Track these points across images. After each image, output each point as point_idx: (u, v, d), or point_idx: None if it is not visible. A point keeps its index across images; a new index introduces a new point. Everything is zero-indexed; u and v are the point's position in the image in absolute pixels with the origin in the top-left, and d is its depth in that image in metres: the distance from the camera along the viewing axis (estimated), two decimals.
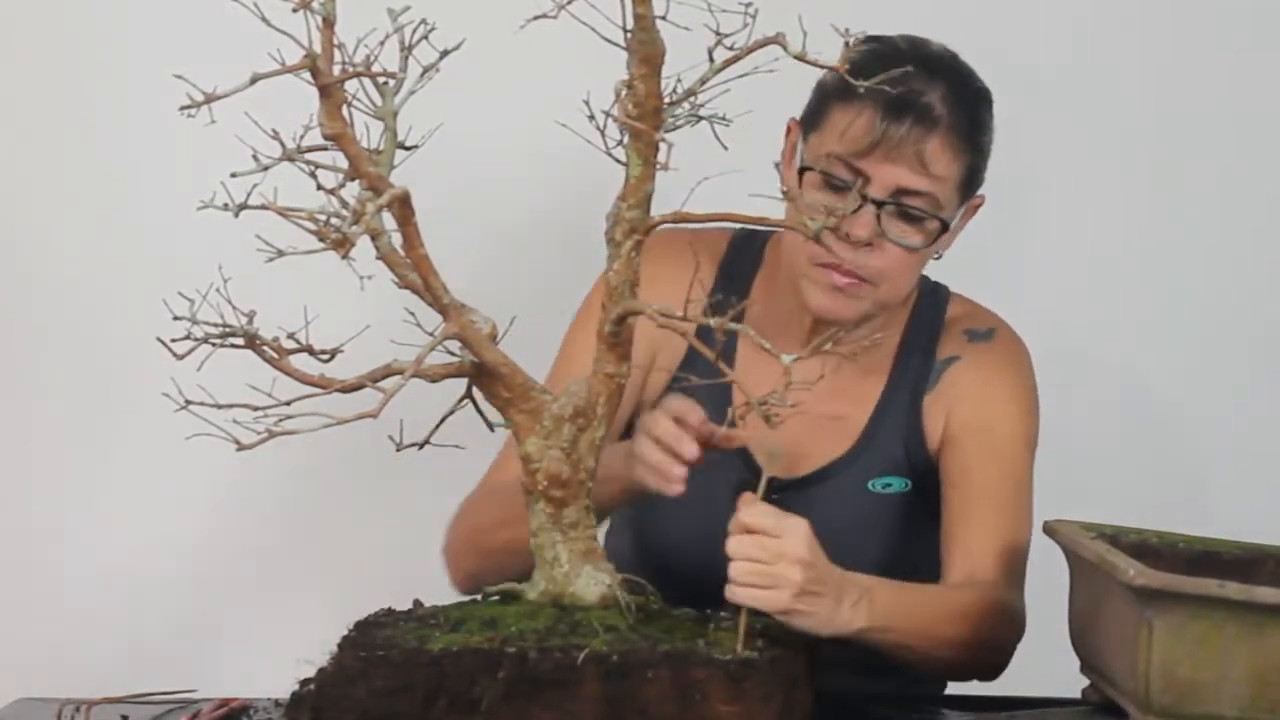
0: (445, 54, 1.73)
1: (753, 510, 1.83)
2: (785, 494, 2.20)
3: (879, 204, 2.11)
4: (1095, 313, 2.48)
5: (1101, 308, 2.75)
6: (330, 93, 1.66)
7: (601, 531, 2.17)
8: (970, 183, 2.17)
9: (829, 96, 2.15)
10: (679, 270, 2.08)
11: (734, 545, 1.82)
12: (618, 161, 1.79)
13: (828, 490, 2.23)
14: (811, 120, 2.17)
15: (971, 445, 2.22)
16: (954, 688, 2.33)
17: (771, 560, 1.81)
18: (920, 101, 2.11)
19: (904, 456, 2.25)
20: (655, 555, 2.22)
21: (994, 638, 2.09)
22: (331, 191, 1.69)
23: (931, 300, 2.30)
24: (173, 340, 1.71)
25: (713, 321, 1.71)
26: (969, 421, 2.23)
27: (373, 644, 1.74)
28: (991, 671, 2.12)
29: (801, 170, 2.15)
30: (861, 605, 1.90)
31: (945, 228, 2.15)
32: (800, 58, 1.71)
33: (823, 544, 2.11)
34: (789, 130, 2.21)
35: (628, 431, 2.16)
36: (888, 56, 2.12)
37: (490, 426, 1.84)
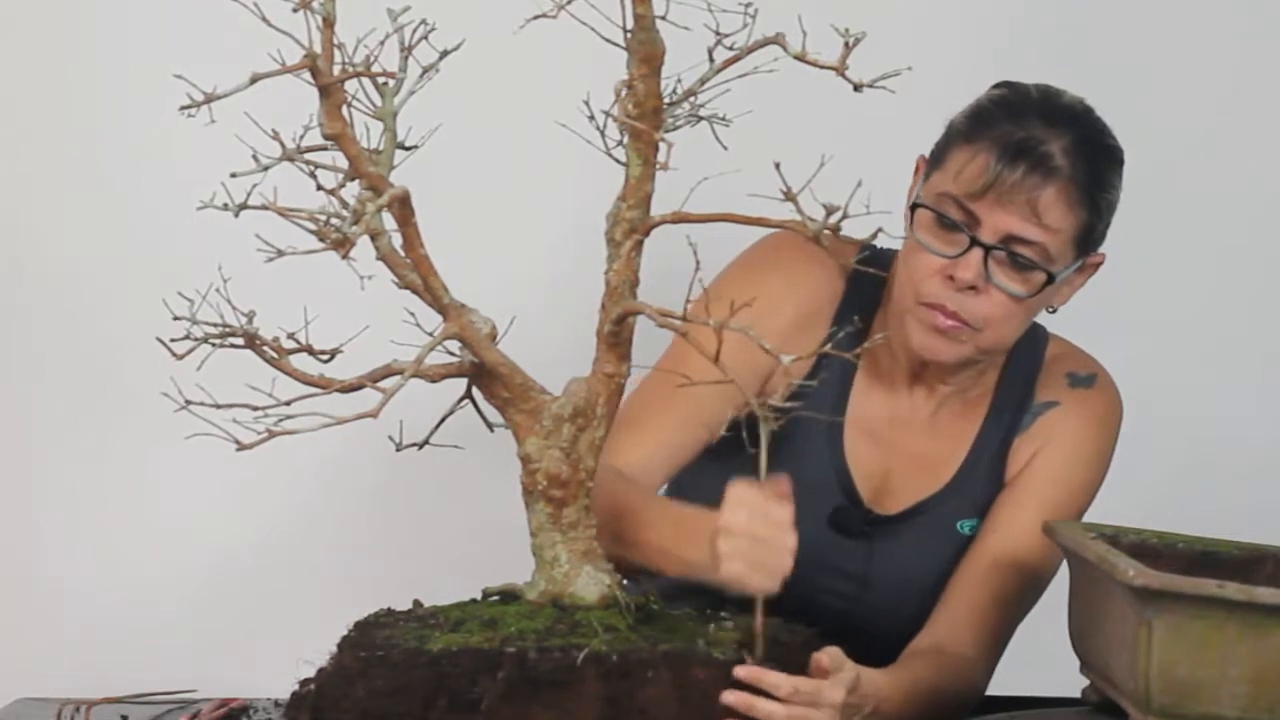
0: (445, 54, 1.73)
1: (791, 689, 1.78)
2: (877, 529, 2.22)
3: (987, 249, 2.09)
4: (1096, 312, 2.48)
5: (1101, 308, 2.74)
6: (330, 93, 1.66)
7: None
8: (1087, 239, 2.14)
9: (953, 136, 2.14)
10: (816, 272, 2.18)
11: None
12: (618, 161, 1.79)
13: (918, 528, 2.23)
14: (936, 158, 2.16)
15: (1033, 503, 2.21)
16: None
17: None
18: (1039, 149, 2.08)
19: (989, 499, 2.24)
20: None
21: (959, 712, 2.11)
22: (331, 191, 1.69)
23: (1029, 339, 2.25)
24: (173, 340, 1.71)
25: (712, 322, 1.70)
26: (1046, 476, 2.23)
27: (372, 644, 1.74)
28: None
29: (913, 207, 2.14)
30: (874, 716, 1.91)
31: (1051, 280, 2.11)
32: (800, 58, 1.71)
33: (898, 578, 2.19)
34: (917, 167, 2.20)
35: (718, 450, 2.14)
36: (1014, 104, 2.13)
37: (490, 426, 1.84)
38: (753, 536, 1.82)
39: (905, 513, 2.23)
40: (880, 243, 1.76)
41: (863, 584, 2.21)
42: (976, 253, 2.10)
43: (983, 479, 2.24)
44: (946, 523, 2.23)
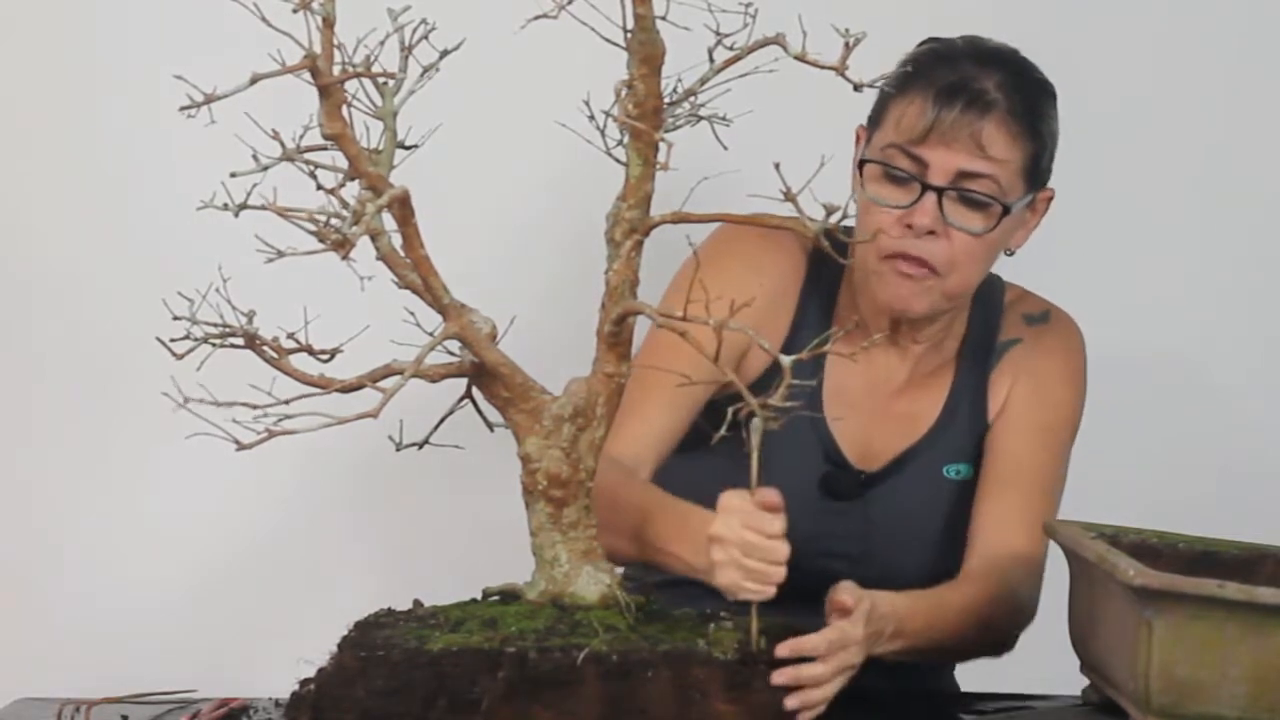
0: (445, 54, 1.73)
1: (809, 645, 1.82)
2: (868, 487, 2.25)
3: (940, 190, 2.13)
4: (1097, 311, 2.48)
5: (1100, 306, 2.75)
6: (330, 93, 1.66)
7: None
8: (1034, 170, 2.18)
9: (887, 95, 2.17)
10: (776, 255, 2.22)
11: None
12: (618, 161, 1.79)
13: (906, 476, 2.26)
14: (874, 120, 2.20)
15: (1022, 426, 2.26)
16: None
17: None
18: (973, 86, 2.13)
19: (973, 443, 2.28)
20: None
21: (1002, 630, 2.16)
22: (331, 191, 1.69)
23: (989, 288, 2.31)
24: (173, 340, 1.71)
25: (712, 322, 1.70)
26: (1027, 401, 2.27)
27: (373, 644, 1.74)
28: (994, 654, 2.17)
29: (861, 164, 2.17)
30: (895, 640, 1.95)
31: (1007, 211, 2.15)
32: (800, 58, 1.71)
33: (896, 528, 2.23)
34: (857, 138, 2.23)
35: (695, 433, 2.16)
36: (942, 52, 2.18)
37: (490, 426, 1.84)
38: (744, 546, 1.84)
39: (891, 463, 2.26)
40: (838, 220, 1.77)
41: (863, 540, 2.23)
42: (930, 197, 2.13)
43: (965, 422, 2.28)
44: (933, 468, 2.27)
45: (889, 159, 2.15)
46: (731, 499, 1.86)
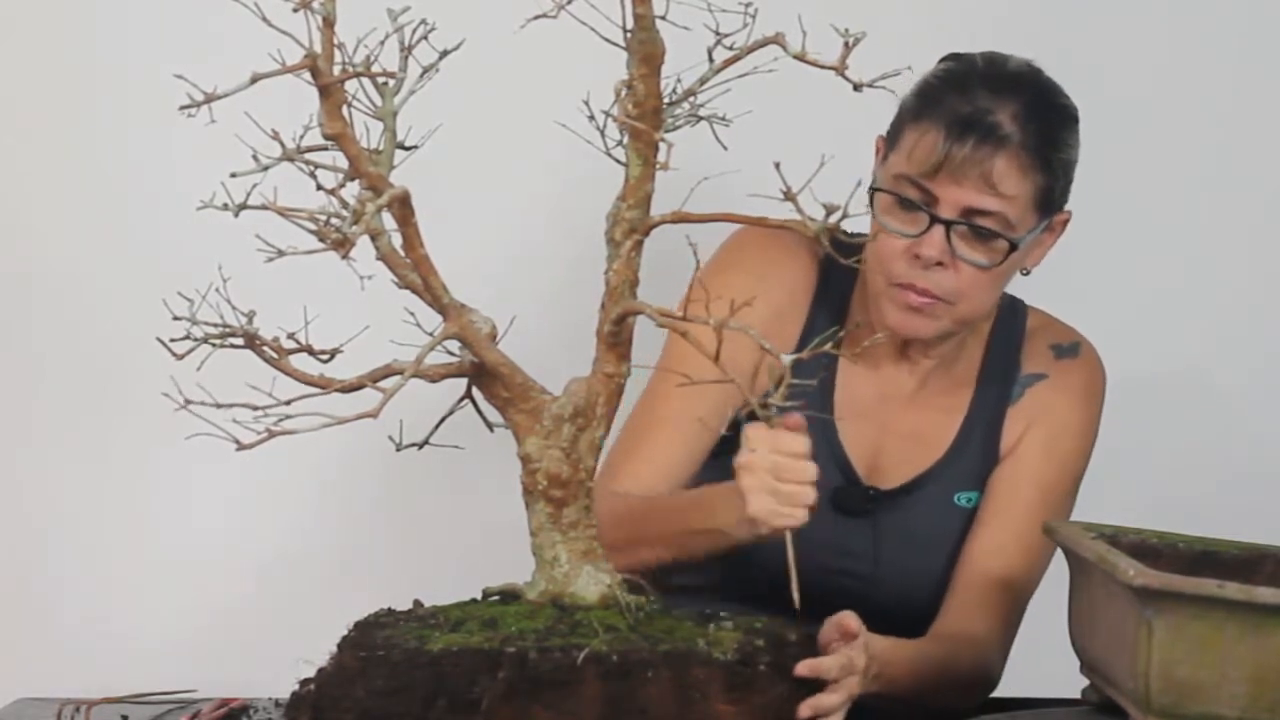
0: (445, 54, 1.73)
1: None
2: (879, 505, 2.23)
3: (948, 224, 2.12)
4: (1093, 311, 2.48)
5: (1098, 306, 2.75)
6: (330, 93, 1.66)
7: None
8: (1047, 200, 2.16)
9: (905, 116, 2.17)
10: (785, 264, 2.22)
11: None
12: (618, 161, 1.79)
13: (918, 501, 2.26)
14: (891, 139, 2.19)
15: (1030, 480, 2.25)
16: None
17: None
18: (986, 120, 2.11)
19: (984, 472, 2.27)
20: (743, 552, 2.19)
21: (971, 694, 2.16)
22: (331, 191, 1.69)
23: (1010, 314, 2.30)
24: (173, 340, 1.71)
25: (712, 321, 1.70)
26: (1038, 453, 2.26)
27: (372, 644, 1.74)
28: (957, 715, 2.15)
29: (872, 191, 2.16)
30: (875, 683, 1.93)
31: (1014, 246, 2.14)
32: (800, 58, 1.71)
33: (905, 552, 2.22)
34: (877, 148, 2.22)
35: (718, 452, 2.16)
36: (959, 77, 2.15)
37: (490, 426, 1.84)
38: (773, 468, 1.86)
39: (904, 486, 2.26)
40: (851, 227, 1.76)
41: (874, 561, 2.23)
42: (938, 229, 2.12)
43: (977, 451, 2.27)
44: (945, 496, 2.26)
45: (899, 189, 2.14)
46: (755, 429, 1.87)
